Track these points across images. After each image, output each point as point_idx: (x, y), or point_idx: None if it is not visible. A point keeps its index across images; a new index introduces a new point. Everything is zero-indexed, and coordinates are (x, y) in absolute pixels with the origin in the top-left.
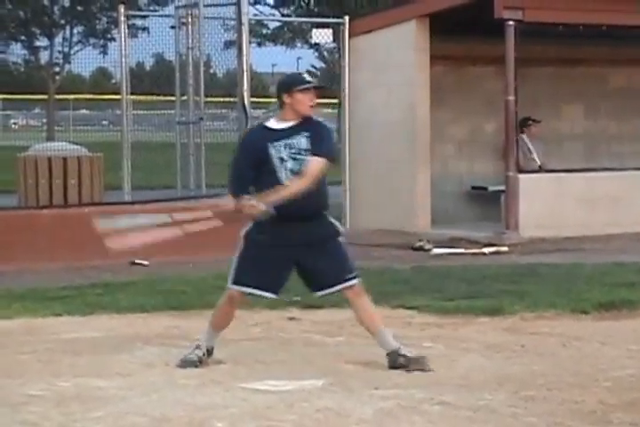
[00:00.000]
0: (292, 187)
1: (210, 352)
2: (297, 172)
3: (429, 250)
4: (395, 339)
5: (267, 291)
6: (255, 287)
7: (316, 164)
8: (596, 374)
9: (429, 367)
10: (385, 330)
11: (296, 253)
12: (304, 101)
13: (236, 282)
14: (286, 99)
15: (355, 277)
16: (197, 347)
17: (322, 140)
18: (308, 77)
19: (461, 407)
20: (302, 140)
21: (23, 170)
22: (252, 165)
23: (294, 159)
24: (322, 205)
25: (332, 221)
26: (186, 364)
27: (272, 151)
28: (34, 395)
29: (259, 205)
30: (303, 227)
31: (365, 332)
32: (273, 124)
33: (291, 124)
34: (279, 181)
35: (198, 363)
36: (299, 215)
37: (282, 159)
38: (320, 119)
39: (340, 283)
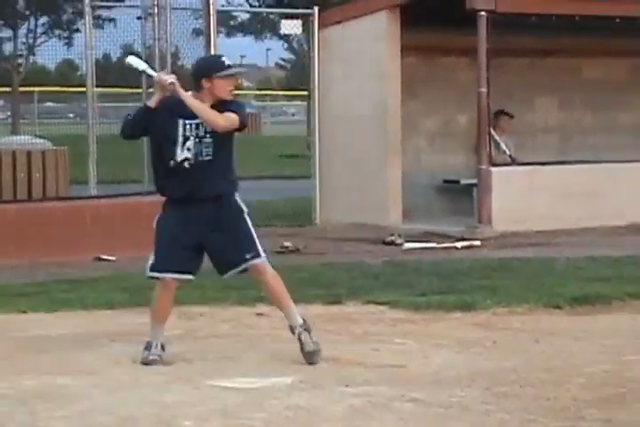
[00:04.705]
0: (203, 107)
1: (163, 348)
2: (195, 153)
3: (401, 244)
4: (300, 316)
5: (183, 274)
6: (173, 272)
7: (231, 115)
8: (570, 369)
9: (317, 362)
10: (292, 306)
11: (199, 233)
12: (224, 87)
13: (153, 269)
14: (205, 84)
15: (257, 256)
16: (151, 346)
17: (234, 107)
18: (227, 62)
19: (433, 404)
20: None
21: None
22: (153, 123)
23: (197, 141)
24: (221, 188)
25: (236, 199)
26: (151, 364)
27: (180, 128)
28: None
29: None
30: (203, 208)
31: (337, 328)
32: None
33: (207, 105)
34: (174, 157)
35: (160, 361)
36: (196, 198)
37: (186, 138)
38: (236, 99)
39: (242, 263)
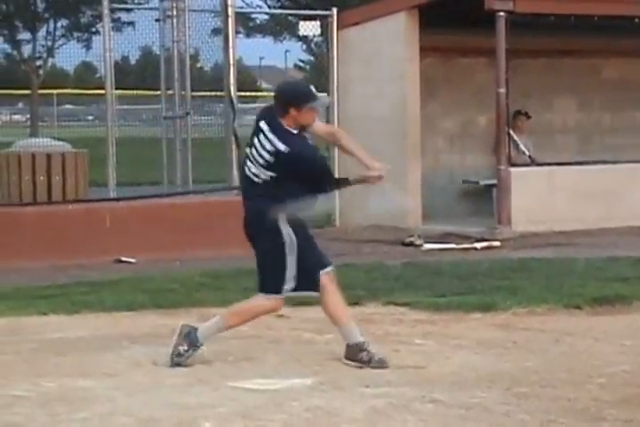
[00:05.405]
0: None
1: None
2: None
3: (420, 245)
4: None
5: (315, 290)
6: (309, 289)
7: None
8: (590, 370)
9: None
10: (351, 322)
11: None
12: (311, 116)
13: (296, 288)
14: (292, 112)
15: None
16: (195, 347)
17: None
18: (316, 92)
19: (453, 405)
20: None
21: (6, 167)
22: None
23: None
24: None
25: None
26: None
27: None
28: (18, 396)
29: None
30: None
31: None
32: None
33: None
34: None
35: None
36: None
37: None
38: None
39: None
